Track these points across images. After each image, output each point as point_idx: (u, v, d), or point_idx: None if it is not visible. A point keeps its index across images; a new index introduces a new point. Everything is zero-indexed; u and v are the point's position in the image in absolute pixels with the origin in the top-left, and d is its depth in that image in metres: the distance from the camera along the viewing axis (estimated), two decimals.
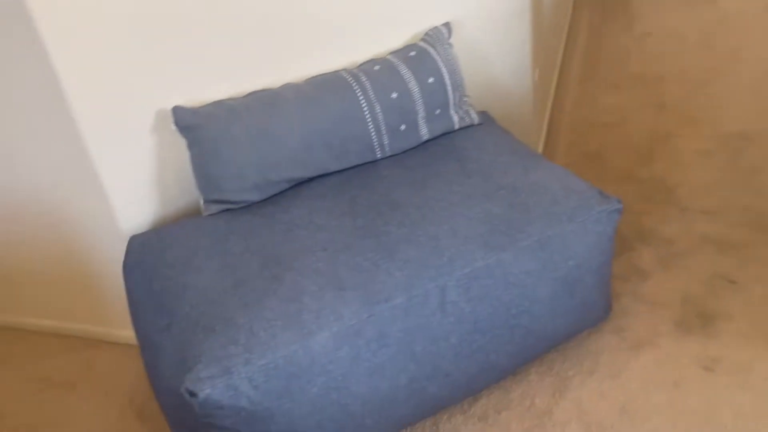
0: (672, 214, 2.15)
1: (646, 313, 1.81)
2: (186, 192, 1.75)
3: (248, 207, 1.67)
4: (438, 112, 1.80)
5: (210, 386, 1.26)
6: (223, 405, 1.28)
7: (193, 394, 1.26)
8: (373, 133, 1.73)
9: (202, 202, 1.68)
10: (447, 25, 1.88)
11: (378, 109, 1.72)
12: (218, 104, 1.65)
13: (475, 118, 1.88)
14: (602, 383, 1.64)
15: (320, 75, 1.75)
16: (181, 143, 1.69)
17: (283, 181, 1.68)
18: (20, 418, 1.80)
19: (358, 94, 1.70)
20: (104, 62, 1.52)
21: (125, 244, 1.73)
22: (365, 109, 1.71)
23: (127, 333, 1.95)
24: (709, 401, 1.56)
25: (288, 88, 1.70)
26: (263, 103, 1.65)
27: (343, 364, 1.36)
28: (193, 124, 1.61)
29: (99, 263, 1.82)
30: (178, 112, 1.61)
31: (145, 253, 1.59)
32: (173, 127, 1.64)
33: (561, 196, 1.58)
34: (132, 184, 1.67)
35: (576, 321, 1.65)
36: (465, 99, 1.88)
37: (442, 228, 1.51)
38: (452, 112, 1.83)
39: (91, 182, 1.64)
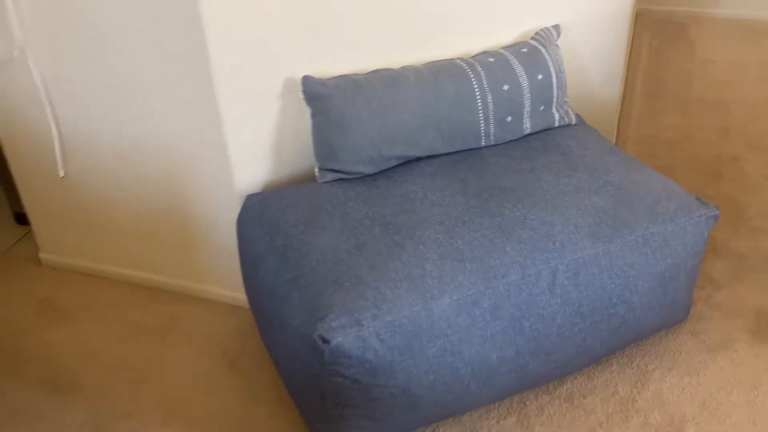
0: (742, 231, 2.24)
1: (720, 319, 1.89)
2: (300, 159, 1.83)
3: (361, 178, 1.75)
4: (542, 108, 1.89)
5: (342, 335, 1.34)
6: (351, 354, 1.35)
7: (325, 341, 1.34)
8: (482, 121, 1.81)
9: (317, 169, 1.76)
10: (557, 27, 1.97)
11: (489, 98, 1.80)
12: (344, 78, 1.73)
13: (573, 119, 1.97)
14: (682, 379, 1.72)
15: (438, 61, 1.83)
16: (303, 111, 1.77)
17: (395, 157, 1.76)
18: (114, 357, 1.87)
19: (474, 83, 1.79)
20: (248, 26, 1.60)
21: (236, 201, 1.81)
22: (478, 97, 1.79)
23: (215, 290, 2.02)
24: None
25: (408, 69, 1.78)
26: (386, 81, 1.74)
27: (459, 330, 1.44)
28: (320, 94, 1.69)
29: (203, 218, 1.90)
30: (307, 81, 1.69)
31: (265, 211, 1.67)
32: (301, 95, 1.72)
33: (663, 198, 1.67)
34: (252, 145, 1.75)
35: (663, 317, 1.73)
36: (566, 99, 1.96)
37: (554, 215, 1.59)
38: (554, 110, 1.92)
39: (216, 137, 1.72)
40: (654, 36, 3.84)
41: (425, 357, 1.42)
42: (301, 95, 1.73)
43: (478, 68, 1.81)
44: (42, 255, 2.21)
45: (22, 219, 2.40)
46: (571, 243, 1.54)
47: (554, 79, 1.88)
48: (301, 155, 1.83)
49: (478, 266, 1.47)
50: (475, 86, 1.79)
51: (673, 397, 1.67)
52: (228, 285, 1.99)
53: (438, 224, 1.56)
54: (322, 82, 1.70)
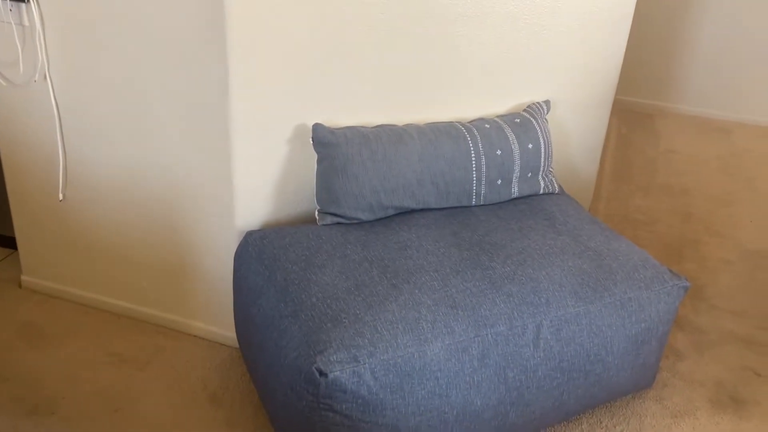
0: (702, 308, 2.38)
1: (683, 388, 2.00)
2: (300, 201, 1.91)
3: (359, 224, 1.83)
4: (530, 175, 2.02)
5: (339, 369, 1.39)
6: (347, 389, 1.40)
7: (322, 374, 1.39)
8: (474, 181, 1.93)
9: (317, 212, 1.83)
10: (547, 102, 2.13)
11: (483, 161, 1.93)
12: (352, 129, 1.83)
13: (557, 188, 2.10)
14: None
15: (439, 122, 1.96)
16: (308, 157, 1.86)
17: (392, 207, 1.86)
18: (94, 383, 1.87)
19: (470, 145, 1.91)
20: (271, 74, 1.70)
21: (235, 237, 1.86)
22: (473, 158, 1.91)
23: (201, 326, 2.05)
24: None
25: (412, 127, 1.90)
26: (391, 135, 1.85)
27: (448, 374, 1.50)
28: (328, 141, 1.79)
29: (199, 252, 1.95)
30: (318, 128, 1.79)
31: (265, 247, 1.73)
32: (310, 140, 1.82)
33: (639, 266, 1.79)
34: (257, 184, 1.82)
35: (633, 380, 1.82)
36: (551, 170, 2.10)
37: (540, 273, 1.69)
38: (540, 177, 2.05)
39: (223, 174, 1.79)
40: (622, 123, 4.09)
41: (415, 397, 1.47)
42: (310, 141, 1.83)
43: (475, 132, 1.94)
44: (24, 277, 2.20)
45: (3, 241, 2.39)
46: (556, 300, 1.64)
47: (542, 149, 2.02)
48: (302, 198, 1.91)
49: (469, 314, 1.55)
50: (471, 148, 1.91)
51: None
52: (214, 321, 2.02)
53: (433, 271, 1.65)
54: (331, 131, 1.80)
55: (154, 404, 1.82)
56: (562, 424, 1.84)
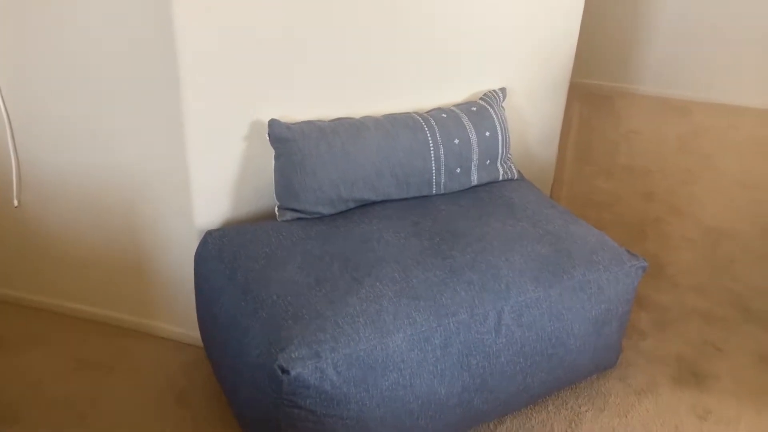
0: (664, 287, 2.42)
1: (646, 366, 2.04)
2: (260, 198, 1.90)
3: (320, 218, 1.83)
4: (488, 162, 2.03)
5: (301, 366, 1.39)
6: (310, 385, 1.41)
7: (284, 371, 1.39)
8: (433, 171, 1.94)
9: (277, 208, 1.83)
10: (503, 90, 2.14)
11: (441, 151, 1.93)
12: (309, 123, 1.83)
13: (516, 174, 2.12)
14: (612, 420, 1.84)
15: (396, 113, 1.96)
16: (265, 153, 1.85)
17: (353, 200, 1.86)
18: (57, 391, 1.84)
19: (428, 135, 1.92)
20: (222, 69, 1.69)
21: (194, 237, 1.85)
22: (431, 148, 1.92)
23: (165, 326, 2.03)
24: None
25: (369, 119, 1.90)
26: (348, 128, 1.84)
27: (411, 365, 1.51)
28: (284, 137, 1.78)
29: (159, 253, 1.93)
30: (274, 124, 1.78)
31: (225, 246, 1.72)
32: (266, 136, 1.81)
33: (598, 248, 1.81)
34: (215, 183, 1.81)
35: (596, 361, 1.85)
36: (509, 156, 2.12)
37: (500, 259, 1.70)
38: (499, 165, 2.06)
39: (180, 174, 1.78)
40: (583, 106, 4.13)
41: (379, 389, 1.48)
42: (266, 137, 1.82)
43: (432, 122, 1.94)
44: None
45: None
46: (516, 286, 1.66)
47: (500, 137, 2.03)
48: (262, 194, 1.90)
49: (430, 304, 1.56)
50: (429, 138, 1.92)
51: None
52: (179, 322, 2.01)
53: (394, 263, 1.65)
54: (287, 126, 1.79)
55: (120, 408, 1.80)
56: (528, 408, 1.86)
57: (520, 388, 1.71)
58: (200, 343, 2.02)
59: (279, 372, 1.39)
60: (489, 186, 2.05)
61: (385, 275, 1.61)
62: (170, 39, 1.60)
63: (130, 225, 1.91)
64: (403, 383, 1.51)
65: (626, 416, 1.85)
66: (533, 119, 2.32)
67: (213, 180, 1.81)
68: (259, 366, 1.44)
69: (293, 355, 1.41)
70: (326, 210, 1.83)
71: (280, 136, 1.78)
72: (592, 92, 4.40)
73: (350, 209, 1.88)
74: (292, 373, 1.39)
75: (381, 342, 1.48)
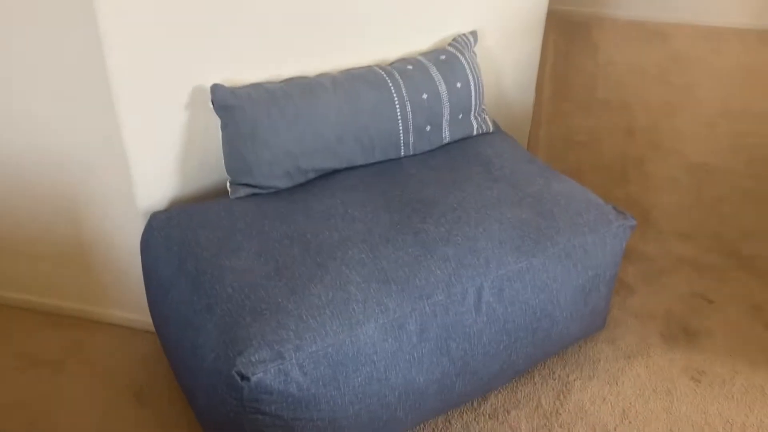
0: (650, 234, 2.30)
1: (635, 325, 1.93)
2: (209, 172, 1.71)
3: (277, 193, 1.65)
4: (461, 116, 1.85)
5: (262, 370, 1.25)
6: (273, 390, 1.26)
7: (244, 377, 1.24)
8: (401, 131, 1.75)
9: (229, 184, 1.64)
10: (474, 33, 1.93)
11: (408, 108, 1.75)
12: (257, 87, 1.62)
13: (491, 127, 1.95)
14: (602, 388, 1.73)
15: (355, 68, 1.76)
16: (211, 123, 1.65)
17: (312, 170, 1.68)
18: (5, 393, 1.69)
19: (393, 91, 1.72)
20: (151, 30, 1.47)
21: (139, 219, 1.67)
22: (397, 106, 1.73)
23: (118, 313, 1.87)
24: (700, 409, 1.68)
25: (325, 77, 1.70)
26: (302, 90, 1.64)
27: (386, 356, 1.37)
28: (231, 104, 1.58)
29: (102, 238, 1.75)
30: (217, 90, 1.57)
31: (172, 230, 1.54)
32: (210, 105, 1.60)
33: (582, 209, 1.67)
34: (156, 159, 1.61)
35: (584, 328, 1.74)
36: (483, 107, 1.93)
37: (478, 230, 1.55)
38: (473, 118, 1.88)
39: (115, 150, 1.58)
40: (558, 37, 3.92)
41: (351, 386, 1.35)
42: (210, 105, 1.61)
43: (397, 76, 1.75)
44: None
45: None
46: (496, 258, 1.51)
47: (472, 87, 1.84)
48: (211, 169, 1.71)
49: (403, 287, 1.41)
50: (395, 95, 1.72)
51: (595, 408, 1.68)
52: (132, 308, 1.84)
53: (361, 242, 1.49)
54: (232, 91, 1.59)
55: (75, 411, 1.66)
56: (514, 380, 1.75)
57: (504, 366, 1.59)
58: None
59: (238, 379, 1.24)
60: (462, 142, 1.88)
61: (352, 258, 1.45)
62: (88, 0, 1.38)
63: (69, 208, 1.72)
64: (377, 376, 1.37)
65: (617, 383, 1.75)
66: (508, 63, 2.13)
67: (154, 156, 1.61)
68: (216, 371, 1.29)
69: (253, 359, 1.26)
70: (283, 183, 1.65)
71: (225, 103, 1.58)
72: (567, 19, 4.17)
73: (311, 180, 1.70)
74: (253, 379, 1.24)
75: (351, 334, 1.33)
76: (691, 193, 2.52)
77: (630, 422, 1.65)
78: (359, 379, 1.35)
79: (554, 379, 1.76)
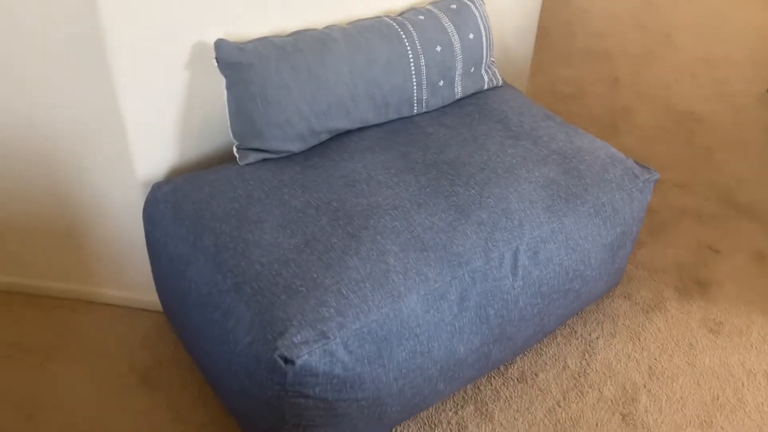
0: None
1: (648, 279, 1.91)
2: (212, 137, 1.57)
3: (289, 157, 1.53)
4: (473, 70, 1.75)
5: (307, 352, 1.16)
6: (318, 372, 1.18)
7: (288, 361, 1.15)
8: (415, 87, 1.65)
9: (236, 149, 1.51)
10: None
11: (422, 62, 1.64)
12: (264, 41, 1.48)
13: (500, 80, 1.86)
14: (626, 345, 1.71)
15: (365, 19, 1.63)
16: (214, 81, 1.50)
17: (326, 131, 1.56)
18: None
19: (407, 44, 1.61)
20: None
21: (138, 190, 1.52)
22: (411, 60, 1.62)
23: (114, 293, 1.73)
24: (722, 361, 1.68)
25: (335, 30, 1.56)
26: (313, 44, 1.51)
27: (429, 328, 1.30)
28: (237, 62, 1.43)
29: (97, 212, 1.59)
30: (221, 46, 1.43)
31: (181, 202, 1.41)
32: (214, 62, 1.46)
33: (608, 164, 1.61)
34: (154, 123, 1.46)
35: (607, 285, 1.70)
36: (492, 60, 1.84)
37: (508, 190, 1.48)
38: (483, 71, 1.79)
39: (110, 115, 1.42)
40: None
41: (395, 362, 1.27)
42: (214, 63, 1.46)
43: (409, 27, 1.63)
44: None
45: None
46: (529, 220, 1.44)
47: (484, 39, 1.74)
48: (214, 134, 1.57)
49: (441, 255, 1.33)
50: (408, 48, 1.61)
51: (621, 366, 1.66)
52: (130, 286, 1.71)
53: (392, 209, 1.39)
54: (239, 47, 1.44)
55: (76, 400, 1.53)
56: (537, 343, 1.71)
57: (536, 329, 1.55)
58: (159, 307, 1.73)
59: (281, 363, 1.15)
60: (474, 98, 1.79)
61: (385, 226, 1.36)
62: None
63: (61, 179, 1.55)
64: (420, 350, 1.30)
65: (639, 339, 1.73)
66: (511, 11, 2.03)
67: (152, 120, 1.46)
68: (253, 356, 1.19)
69: (295, 340, 1.16)
70: (296, 147, 1.53)
71: (232, 60, 1.43)
72: None
73: (323, 142, 1.59)
74: (298, 362, 1.15)
75: (393, 308, 1.25)
76: (682, 143, 2.50)
77: (658, 378, 1.63)
78: (403, 354, 1.27)
79: (576, 339, 1.73)
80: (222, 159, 1.62)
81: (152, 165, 1.51)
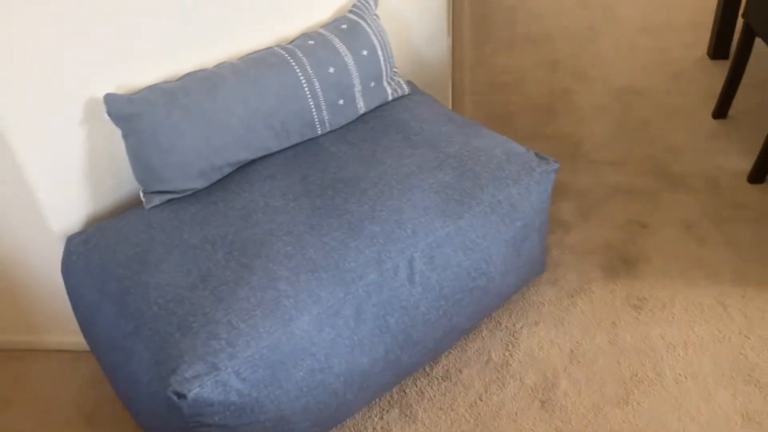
0: (582, 167, 2.31)
1: (575, 262, 1.96)
2: (121, 184, 1.65)
3: (194, 195, 1.61)
4: (373, 84, 1.81)
5: (198, 385, 1.23)
6: (213, 402, 1.25)
7: (180, 396, 1.22)
8: (313, 110, 1.71)
9: (142, 194, 1.59)
10: None
11: (317, 85, 1.70)
12: (153, 89, 1.55)
13: (406, 89, 1.91)
14: (549, 332, 1.77)
15: (255, 52, 1.69)
16: (114, 133, 1.58)
17: (227, 165, 1.63)
18: None
19: (297, 71, 1.67)
20: (21, 50, 1.38)
21: (56, 243, 1.61)
22: (305, 85, 1.68)
23: (57, 339, 1.83)
24: (644, 336, 1.73)
25: (224, 67, 1.63)
26: (201, 84, 1.58)
27: (325, 345, 1.37)
28: (128, 113, 1.51)
29: (24, 266, 1.69)
30: (110, 100, 1.50)
31: (90, 253, 1.49)
32: (106, 116, 1.54)
33: (504, 161, 1.66)
34: (63, 181, 1.55)
35: (522, 277, 1.75)
36: (395, 70, 1.89)
37: (402, 201, 1.53)
38: (385, 83, 1.84)
39: (17, 182, 1.51)
40: None
41: (293, 382, 1.34)
42: (105, 117, 1.55)
43: (299, 54, 1.69)
44: None
45: None
46: (423, 227, 1.50)
47: (380, 53, 1.80)
48: (122, 181, 1.65)
49: (333, 274, 1.40)
50: (299, 73, 1.67)
51: (543, 353, 1.71)
52: (67, 331, 1.80)
53: (285, 235, 1.46)
54: (128, 99, 1.52)
55: None
56: (463, 338, 1.77)
57: (447, 330, 1.60)
58: None
59: (174, 398, 1.23)
60: (380, 110, 1.84)
61: (277, 252, 1.43)
62: None
63: None
64: (319, 367, 1.37)
65: (562, 324, 1.78)
66: (415, 17, 2.08)
67: (59, 179, 1.54)
68: (153, 394, 1.27)
69: (187, 375, 1.24)
70: (199, 183, 1.61)
71: (122, 112, 1.51)
72: None
73: (228, 175, 1.66)
74: (190, 395, 1.22)
75: (285, 332, 1.32)
76: (617, 119, 2.53)
77: (578, 361, 1.68)
78: (301, 373, 1.35)
79: (501, 331, 1.78)
80: (136, 201, 1.70)
81: (66, 218, 1.59)
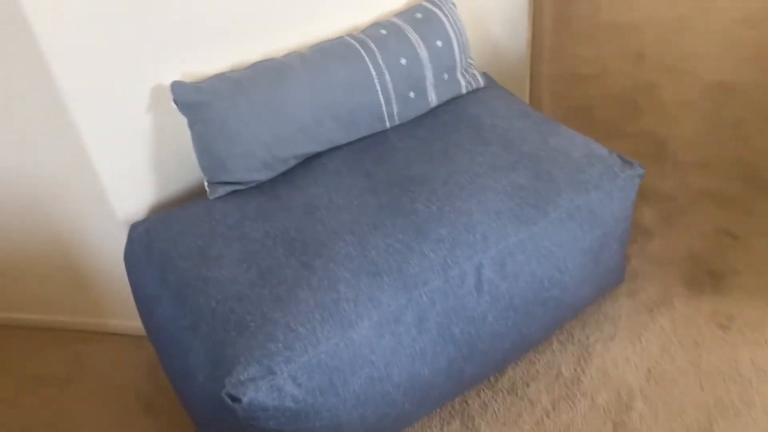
0: (667, 169, 2.16)
1: (656, 273, 1.82)
2: (185, 173, 1.63)
3: (258, 187, 1.56)
4: (446, 76, 1.72)
5: (253, 389, 1.19)
6: (268, 407, 1.21)
7: (235, 399, 1.18)
8: (382, 102, 1.64)
9: (206, 184, 1.56)
10: None
11: (387, 76, 1.62)
12: (220, 77, 1.51)
13: (481, 81, 1.81)
14: (625, 348, 1.65)
15: (325, 42, 1.63)
16: (180, 121, 1.55)
17: (292, 157, 1.58)
18: (12, 416, 1.68)
19: (367, 61, 1.60)
20: (92, 38, 1.36)
21: (120, 230, 1.60)
22: (374, 76, 1.61)
23: (119, 323, 1.83)
24: (730, 359, 1.59)
25: (293, 57, 1.58)
26: (269, 74, 1.53)
27: (385, 353, 1.30)
28: (195, 101, 1.47)
29: (88, 251, 1.69)
30: (177, 88, 1.47)
31: (152, 242, 1.47)
32: (172, 104, 1.50)
33: (584, 164, 1.54)
34: (128, 168, 1.53)
35: (598, 288, 1.64)
36: (470, 62, 1.80)
37: (472, 203, 1.45)
38: (459, 75, 1.75)
39: (83, 166, 1.50)
40: None
41: (351, 390, 1.28)
42: (173, 105, 1.51)
43: (370, 44, 1.62)
44: None
45: None
46: (493, 232, 1.41)
47: (455, 43, 1.71)
48: (187, 170, 1.62)
49: (395, 278, 1.33)
50: (370, 65, 1.60)
51: (618, 370, 1.60)
52: (128, 316, 1.80)
53: (348, 234, 1.40)
54: (195, 87, 1.48)
55: (86, 428, 1.64)
56: (531, 350, 1.68)
57: (516, 342, 1.51)
58: None
59: (229, 401, 1.19)
60: (452, 104, 1.75)
61: (339, 252, 1.36)
62: (22, 20, 1.27)
63: (50, 225, 1.66)
64: (378, 376, 1.31)
65: (640, 340, 1.66)
66: (494, 3, 1.97)
67: (124, 166, 1.53)
68: (208, 393, 1.24)
69: (242, 377, 1.20)
70: (264, 175, 1.56)
71: (189, 100, 1.48)
72: None
73: (293, 168, 1.61)
74: (244, 399, 1.18)
75: (344, 337, 1.26)
76: (707, 117, 2.35)
77: (656, 382, 1.56)
78: (359, 381, 1.28)
79: (573, 344, 1.68)
80: (199, 191, 1.67)
81: (130, 206, 1.58)
